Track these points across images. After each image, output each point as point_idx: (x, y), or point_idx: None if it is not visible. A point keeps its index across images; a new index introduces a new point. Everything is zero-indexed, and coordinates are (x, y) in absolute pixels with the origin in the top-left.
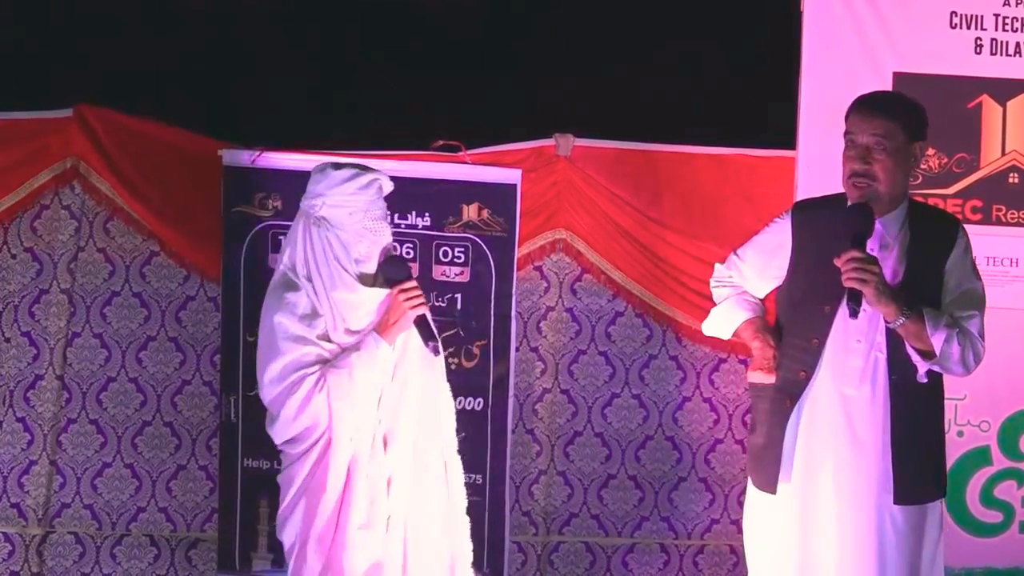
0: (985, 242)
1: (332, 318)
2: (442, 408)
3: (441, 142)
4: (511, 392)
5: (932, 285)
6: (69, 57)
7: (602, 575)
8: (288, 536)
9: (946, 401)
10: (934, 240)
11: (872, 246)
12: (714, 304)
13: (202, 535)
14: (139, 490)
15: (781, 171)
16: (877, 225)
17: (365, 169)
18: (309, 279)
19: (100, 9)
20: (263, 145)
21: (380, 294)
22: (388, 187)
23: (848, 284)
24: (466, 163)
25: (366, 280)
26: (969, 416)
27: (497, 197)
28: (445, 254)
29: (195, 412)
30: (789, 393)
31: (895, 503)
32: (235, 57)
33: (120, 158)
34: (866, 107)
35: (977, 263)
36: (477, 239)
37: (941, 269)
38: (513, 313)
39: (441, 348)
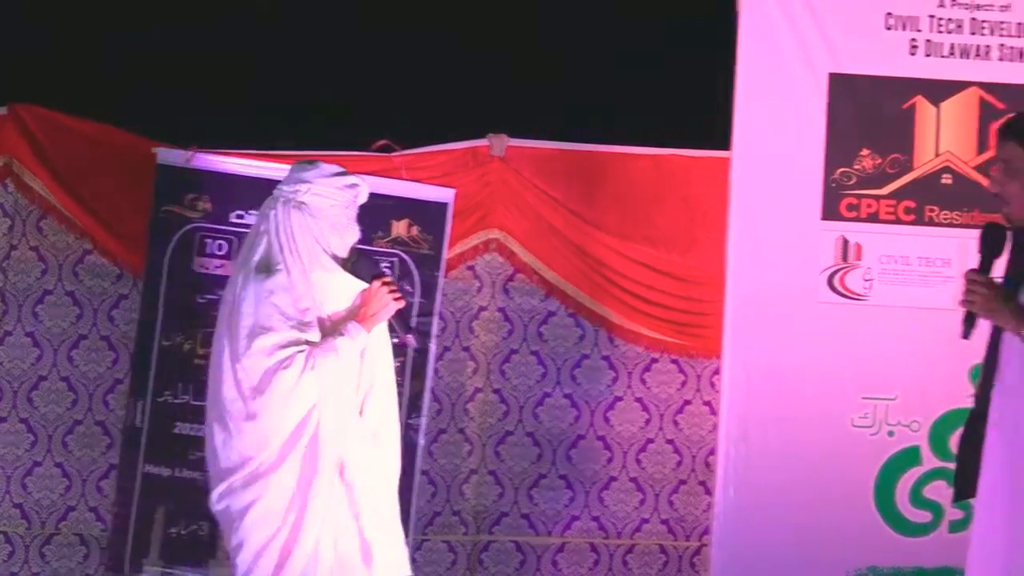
0: (918, 243)
1: (313, 301)
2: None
3: (383, 142)
4: (425, 410)
5: None
6: (3, 56)
7: (532, 574)
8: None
9: (878, 401)
10: None
11: None
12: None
13: None
14: (69, 489)
15: (716, 171)
16: None
17: (349, 173)
18: (286, 263)
19: (35, 8)
20: (197, 146)
21: (358, 284)
22: (364, 196)
23: (961, 304)
24: (401, 177)
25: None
26: (900, 416)
27: (428, 215)
28: None
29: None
30: None
31: None
32: (171, 58)
33: (54, 156)
34: None
35: (909, 263)
36: (404, 256)
37: None
38: (433, 332)
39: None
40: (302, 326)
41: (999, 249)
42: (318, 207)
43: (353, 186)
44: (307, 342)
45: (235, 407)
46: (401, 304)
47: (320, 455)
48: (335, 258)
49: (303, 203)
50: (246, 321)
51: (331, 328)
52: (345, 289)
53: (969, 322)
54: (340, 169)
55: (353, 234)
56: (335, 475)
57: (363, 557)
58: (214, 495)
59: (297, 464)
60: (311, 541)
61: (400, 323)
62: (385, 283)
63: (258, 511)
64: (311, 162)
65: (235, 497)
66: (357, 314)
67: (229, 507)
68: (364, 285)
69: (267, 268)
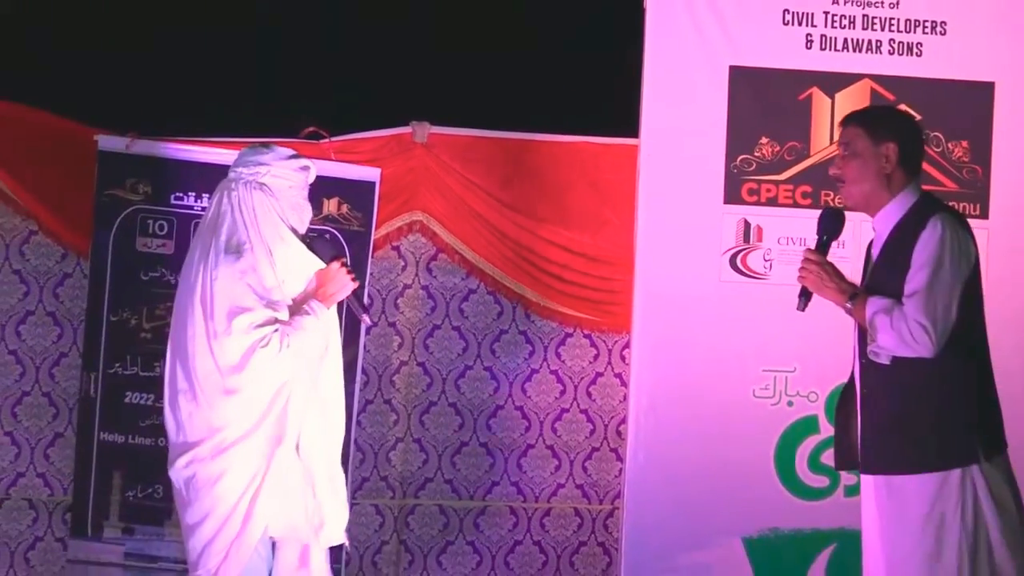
0: (814, 225)
1: (277, 280)
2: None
3: (311, 128)
4: (358, 378)
5: (897, 273)
6: None
7: (455, 536)
8: (226, 497)
9: (777, 373)
10: (909, 229)
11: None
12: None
13: None
14: (19, 457)
15: (624, 158)
16: (873, 221)
17: (301, 156)
18: (252, 242)
19: None
20: (136, 132)
21: (316, 263)
22: (313, 177)
23: (798, 280)
24: (330, 159)
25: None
26: (798, 387)
27: (357, 193)
28: None
29: (72, 383)
30: None
31: (860, 472)
32: (109, 46)
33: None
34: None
35: (807, 245)
36: (336, 232)
37: (908, 256)
38: (364, 303)
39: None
40: (272, 304)
41: (836, 231)
42: (278, 188)
43: (306, 168)
44: (278, 320)
45: (210, 382)
46: (356, 284)
47: (287, 427)
48: (295, 234)
49: (264, 184)
50: (222, 300)
51: (293, 307)
52: (305, 267)
53: (804, 296)
54: (293, 152)
55: (308, 212)
56: (294, 444)
57: (314, 523)
58: (180, 462)
59: (265, 435)
60: (269, 509)
61: (355, 303)
62: (343, 264)
63: (228, 481)
64: (265, 146)
65: (203, 466)
66: (316, 293)
67: (197, 475)
68: (321, 264)
69: (237, 249)
